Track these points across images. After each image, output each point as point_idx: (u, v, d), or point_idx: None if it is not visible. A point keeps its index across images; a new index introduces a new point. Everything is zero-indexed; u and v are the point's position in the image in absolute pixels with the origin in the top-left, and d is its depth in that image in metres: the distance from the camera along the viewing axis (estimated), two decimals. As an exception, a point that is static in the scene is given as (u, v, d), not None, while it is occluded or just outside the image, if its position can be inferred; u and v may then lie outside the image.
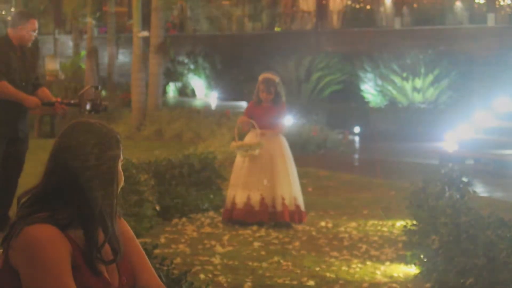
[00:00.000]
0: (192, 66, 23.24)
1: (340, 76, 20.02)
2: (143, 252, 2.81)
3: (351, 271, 6.43)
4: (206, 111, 17.36)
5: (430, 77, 18.03)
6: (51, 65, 21.53)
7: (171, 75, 23.35)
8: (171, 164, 8.83)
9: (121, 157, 2.67)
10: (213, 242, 7.35)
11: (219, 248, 7.12)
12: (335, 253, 7.00)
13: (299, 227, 8.06)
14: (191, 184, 8.81)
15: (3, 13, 28.48)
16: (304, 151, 14.05)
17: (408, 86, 18.32)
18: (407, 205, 7.77)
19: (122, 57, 24.62)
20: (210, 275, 6.21)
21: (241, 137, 8.40)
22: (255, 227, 7.96)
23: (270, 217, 8.04)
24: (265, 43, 22.50)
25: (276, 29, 24.16)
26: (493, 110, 13.90)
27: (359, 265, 6.62)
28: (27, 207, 2.62)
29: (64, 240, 2.53)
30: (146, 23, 17.22)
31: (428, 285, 5.86)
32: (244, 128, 8.30)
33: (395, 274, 6.32)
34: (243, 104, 17.46)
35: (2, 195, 7.01)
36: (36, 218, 2.54)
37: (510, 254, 5.07)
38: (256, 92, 8.29)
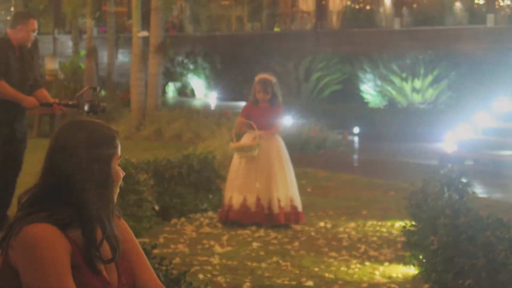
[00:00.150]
0: (191, 66, 23.24)
1: (339, 76, 20.02)
2: (143, 252, 2.81)
3: (350, 271, 6.43)
4: (205, 111, 17.36)
5: (430, 78, 18.04)
6: (51, 65, 21.51)
7: (171, 75, 23.35)
8: (171, 164, 8.83)
9: (118, 155, 2.66)
10: (212, 242, 7.35)
11: (218, 248, 7.12)
12: (334, 254, 7.00)
13: (298, 227, 8.06)
14: (190, 184, 8.81)
15: (3, 13, 28.48)
16: (304, 151, 14.05)
17: (407, 86, 18.33)
18: (406, 206, 7.77)
19: (122, 57, 24.62)
20: (209, 275, 6.21)
21: (238, 138, 8.40)
22: (254, 227, 7.96)
23: (266, 218, 8.03)
24: (265, 43, 22.51)
25: (276, 29, 24.16)
26: (492, 111, 13.90)
27: (358, 265, 6.62)
28: (26, 206, 2.62)
29: (64, 239, 2.54)
30: (145, 23, 17.22)
31: (427, 285, 5.86)
32: (241, 129, 8.28)
33: (394, 275, 6.33)
34: (243, 104, 17.44)
35: (1, 195, 7.01)
36: (35, 217, 2.55)
37: (509, 255, 5.07)
38: (252, 92, 8.29)
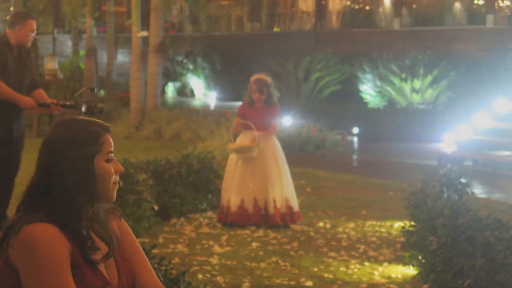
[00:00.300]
0: (191, 66, 23.24)
1: (339, 76, 20.03)
2: (143, 252, 2.82)
3: (349, 271, 6.43)
4: (205, 111, 17.37)
5: (429, 78, 18.04)
6: (50, 64, 21.51)
7: (170, 75, 23.36)
8: (170, 164, 8.83)
9: (104, 152, 2.66)
10: (211, 242, 7.35)
11: (217, 248, 7.12)
12: (333, 254, 7.00)
13: (297, 227, 8.06)
14: (189, 184, 8.81)
15: (2, 13, 28.48)
16: (303, 151, 14.06)
17: (407, 87, 18.33)
18: (406, 206, 7.78)
19: (121, 57, 24.62)
20: (208, 275, 6.21)
21: (234, 138, 8.39)
22: (253, 228, 7.97)
23: (263, 219, 8.04)
24: (264, 43, 22.51)
25: (275, 29, 24.17)
26: (491, 111, 13.90)
27: (357, 265, 6.63)
28: (24, 206, 2.63)
29: (64, 239, 2.54)
30: (145, 23, 17.23)
31: (426, 286, 5.86)
32: (238, 130, 8.28)
33: (393, 275, 6.33)
34: (242, 104, 17.43)
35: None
36: (35, 217, 2.56)
37: (508, 255, 5.08)
38: (248, 92, 8.29)
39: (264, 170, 8.09)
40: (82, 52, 23.26)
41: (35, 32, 7.11)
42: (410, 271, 6.38)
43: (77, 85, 19.57)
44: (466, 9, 20.26)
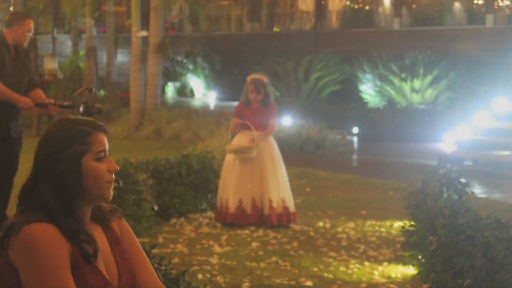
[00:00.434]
0: (191, 66, 23.25)
1: (339, 76, 20.03)
2: (143, 252, 2.82)
3: (349, 271, 6.43)
4: (205, 111, 17.37)
5: (429, 78, 18.05)
6: (50, 64, 21.53)
7: (170, 75, 23.36)
8: (170, 164, 8.83)
9: (94, 151, 2.65)
10: (211, 242, 7.35)
11: (217, 248, 7.12)
12: (333, 254, 7.00)
13: (297, 227, 8.06)
14: (189, 184, 8.81)
15: (2, 13, 28.47)
16: (303, 151, 14.06)
17: (406, 86, 18.34)
18: (405, 206, 7.78)
19: (121, 57, 24.63)
20: (208, 275, 6.21)
21: (233, 138, 8.38)
22: (253, 227, 7.96)
23: (259, 219, 8.03)
24: (264, 43, 22.51)
25: (275, 29, 24.17)
26: (491, 111, 13.90)
27: (357, 265, 6.63)
28: (24, 205, 2.63)
29: (63, 239, 2.55)
30: (145, 22, 17.23)
31: (426, 286, 5.86)
32: (236, 130, 8.27)
33: (393, 275, 6.33)
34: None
35: (-2, 195, 7.00)
36: (35, 217, 2.56)
37: (507, 255, 5.08)
38: (244, 93, 8.27)
39: (262, 170, 8.09)
40: (82, 52, 23.26)
41: (32, 31, 7.10)
42: (410, 271, 6.38)
43: (77, 85, 19.58)
44: (465, 9, 20.26)
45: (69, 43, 26.28)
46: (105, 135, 2.71)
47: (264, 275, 6.28)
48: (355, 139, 16.27)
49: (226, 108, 17.17)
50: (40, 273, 2.50)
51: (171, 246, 7.17)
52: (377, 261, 6.78)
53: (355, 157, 14.29)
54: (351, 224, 8.21)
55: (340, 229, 8.02)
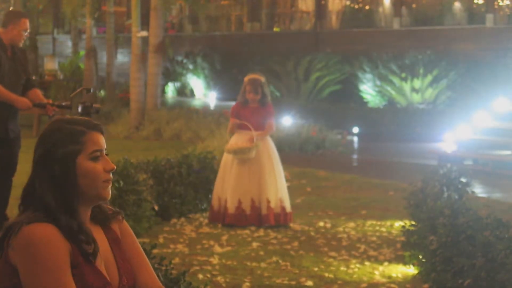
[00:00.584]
0: (191, 66, 23.25)
1: (339, 76, 20.03)
2: (144, 253, 2.82)
3: (350, 271, 6.44)
4: (205, 111, 17.37)
5: (429, 78, 18.05)
6: (50, 65, 21.53)
7: (170, 75, 23.36)
8: (170, 164, 8.83)
9: (88, 150, 2.65)
10: (211, 242, 7.35)
11: (217, 248, 7.12)
12: (333, 253, 7.00)
13: (298, 227, 8.07)
14: (189, 184, 8.81)
15: (2, 13, 28.47)
16: (303, 151, 14.06)
17: (406, 86, 18.34)
18: (406, 206, 7.78)
19: (121, 57, 24.63)
20: (208, 275, 6.21)
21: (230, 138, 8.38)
22: (253, 227, 7.96)
23: (257, 219, 8.03)
24: (264, 43, 22.51)
25: (275, 29, 24.17)
26: (491, 111, 13.90)
27: (358, 265, 6.63)
28: (25, 205, 2.64)
29: (63, 239, 2.55)
30: (145, 23, 17.23)
31: (426, 285, 5.87)
32: (233, 130, 8.26)
33: (394, 275, 6.33)
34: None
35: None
36: (34, 216, 2.56)
37: (508, 254, 5.08)
38: (242, 93, 8.26)
39: (260, 170, 8.08)
40: (82, 52, 23.26)
41: (28, 30, 7.08)
42: (411, 270, 6.39)
43: (77, 86, 19.59)
44: (465, 8, 20.26)
45: (69, 44, 26.29)
46: (102, 134, 2.71)
47: (265, 275, 6.28)
48: (355, 139, 16.27)
49: (226, 108, 17.16)
50: (40, 273, 2.50)
51: (172, 246, 7.17)
52: (378, 261, 6.78)
53: (355, 157, 14.29)
54: (352, 224, 8.21)
55: (340, 229, 8.02)
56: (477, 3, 20.40)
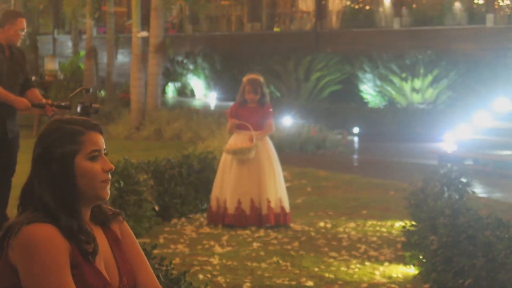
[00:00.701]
0: (191, 66, 23.24)
1: (339, 76, 20.03)
2: (143, 254, 2.82)
3: (350, 271, 6.44)
4: (205, 111, 17.37)
5: (429, 78, 18.04)
6: (50, 65, 21.50)
7: (170, 75, 23.35)
8: (170, 164, 8.83)
9: (86, 150, 2.65)
10: (212, 243, 7.35)
11: (218, 249, 7.12)
12: (334, 254, 7.00)
13: (298, 227, 8.07)
14: (190, 184, 8.81)
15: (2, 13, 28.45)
16: (303, 151, 14.06)
17: (407, 86, 18.33)
18: (406, 206, 7.78)
19: (121, 57, 24.62)
20: (209, 276, 6.21)
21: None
22: (253, 228, 7.97)
23: (257, 219, 8.03)
24: (264, 43, 22.51)
25: (275, 29, 24.16)
26: (492, 111, 13.90)
27: (358, 265, 6.63)
28: (24, 205, 2.64)
29: (63, 239, 2.55)
30: (145, 23, 17.23)
31: (427, 285, 5.87)
32: (232, 130, 8.26)
33: (394, 275, 6.33)
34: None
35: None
36: (34, 217, 2.56)
37: (508, 254, 5.08)
38: (241, 93, 8.26)
39: (259, 170, 8.08)
40: (82, 53, 23.25)
41: (25, 30, 7.07)
42: (411, 270, 6.38)
43: (77, 86, 19.56)
44: (466, 8, 20.25)
45: (70, 44, 26.28)
46: (101, 134, 2.71)
47: (265, 275, 6.29)
48: (355, 139, 16.26)
49: (227, 108, 17.11)
50: (40, 273, 2.50)
51: (172, 246, 7.17)
52: (378, 261, 6.78)
53: (355, 157, 14.29)
54: (352, 224, 8.21)
55: (341, 229, 8.02)
56: (477, 3, 20.39)
